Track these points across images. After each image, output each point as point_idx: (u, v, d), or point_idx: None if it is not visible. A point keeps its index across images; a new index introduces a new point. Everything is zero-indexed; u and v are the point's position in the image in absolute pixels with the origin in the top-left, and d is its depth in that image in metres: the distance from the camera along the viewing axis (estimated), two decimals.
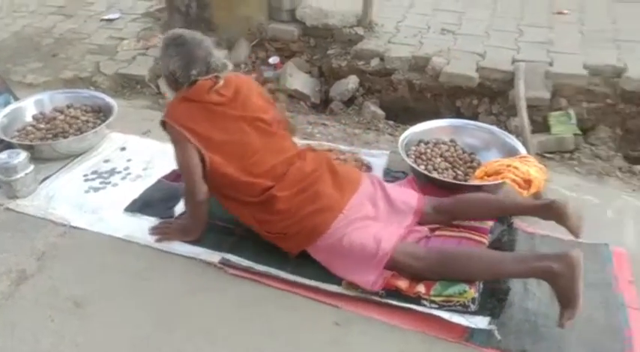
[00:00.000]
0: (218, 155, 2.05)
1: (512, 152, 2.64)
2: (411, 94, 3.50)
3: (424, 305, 1.91)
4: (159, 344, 1.82)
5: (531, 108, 3.12)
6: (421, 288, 1.93)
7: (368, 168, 2.75)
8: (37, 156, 2.70)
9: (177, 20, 4.16)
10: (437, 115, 3.45)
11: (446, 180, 2.49)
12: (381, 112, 3.42)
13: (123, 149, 2.89)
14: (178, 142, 2.07)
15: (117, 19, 4.40)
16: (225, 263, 2.13)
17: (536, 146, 2.99)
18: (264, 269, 2.08)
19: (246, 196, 2.08)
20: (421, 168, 2.59)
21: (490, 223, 2.25)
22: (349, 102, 3.62)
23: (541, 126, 3.17)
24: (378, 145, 3.01)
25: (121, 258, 2.19)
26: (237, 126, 2.11)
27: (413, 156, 2.68)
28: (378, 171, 2.74)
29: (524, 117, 2.99)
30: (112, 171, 2.71)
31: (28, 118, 2.99)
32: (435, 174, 2.57)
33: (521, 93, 3.09)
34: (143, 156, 2.82)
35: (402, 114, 3.55)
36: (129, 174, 2.69)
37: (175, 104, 2.12)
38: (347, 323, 1.88)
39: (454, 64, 3.37)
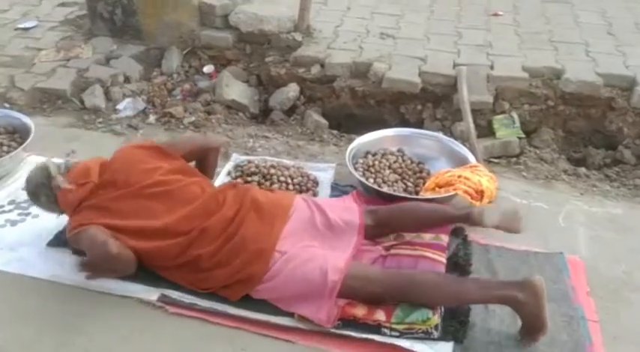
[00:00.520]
0: (122, 234, 1.91)
1: (461, 161, 2.58)
2: (353, 101, 3.38)
3: (385, 334, 1.80)
4: None
5: (475, 112, 3.08)
6: (381, 316, 1.82)
7: (314, 183, 2.62)
8: None
9: (100, 28, 3.86)
10: (381, 122, 3.38)
11: (396, 193, 2.39)
12: (324, 121, 3.29)
13: None
14: (84, 234, 1.91)
15: (33, 27, 4.03)
16: (165, 300, 1.93)
17: (483, 151, 2.95)
18: (209, 305, 1.92)
19: (166, 261, 1.94)
20: (370, 182, 2.49)
21: (445, 239, 2.17)
22: (290, 111, 3.47)
23: (486, 130, 3.14)
24: (324, 157, 2.88)
25: (45, 302, 1.95)
26: (129, 204, 1.99)
27: (361, 169, 2.57)
28: (325, 186, 2.61)
29: (469, 123, 2.95)
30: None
31: None
32: (384, 188, 2.47)
33: (465, 97, 3.05)
34: None
35: (346, 122, 3.44)
36: None
37: (74, 221, 1.99)
38: None
39: (396, 69, 3.28)
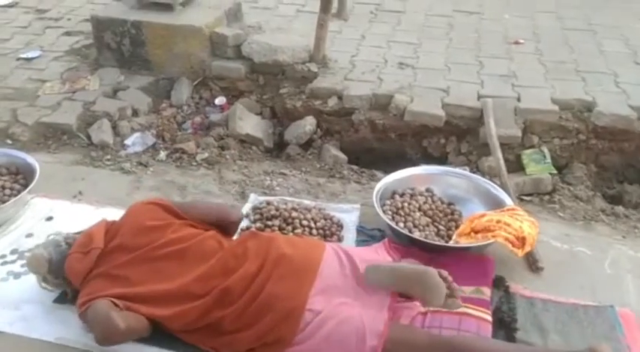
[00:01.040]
0: (135, 303, 1.74)
1: (495, 202, 2.41)
2: (373, 135, 3.23)
3: None
4: None
5: (502, 146, 2.92)
6: None
7: (339, 226, 2.45)
8: None
9: (107, 58, 3.72)
10: (402, 156, 3.23)
11: (430, 241, 2.22)
12: (343, 156, 3.13)
13: (49, 219, 2.44)
14: (90, 310, 1.74)
15: (37, 57, 3.88)
16: None
17: (513, 188, 2.78)
18: None
19: (185, 325, 1.76)
20: (400, 226, 2.31)
21: (487, 292, 2.00)
22: (306, 145, 3.31)
23: (514, 165, 2.98)
24: (346, 197, 2.71)
25: None
26: (140, 268, 1.82)
27: (390, 212, 2.40)
28: (350, 229, 2.44)
29: (499, 158, 2.78)
30: None
31: None
32: (416, 233, 2.30)
33: (493, 131, 2.89)
34: (75, 226, 2.37)
35: (364, 156, 3.28)
36: None
37: (82, 295, 1.82)
38: None
39: (418, 102, 3.14)
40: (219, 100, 3.52)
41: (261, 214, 2.47)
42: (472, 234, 2.25)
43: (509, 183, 2.69)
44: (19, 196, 2.36)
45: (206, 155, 2.99)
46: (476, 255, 2.18)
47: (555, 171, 2.93)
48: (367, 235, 2.41)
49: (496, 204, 2.40)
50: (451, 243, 2.29)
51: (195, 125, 3.38)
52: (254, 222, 2.45)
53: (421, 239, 2.22)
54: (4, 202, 2.40)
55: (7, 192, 2.45)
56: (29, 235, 2.34)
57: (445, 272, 1.71)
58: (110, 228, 1.93)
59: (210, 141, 3.12)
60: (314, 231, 2.36)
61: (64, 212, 2.48)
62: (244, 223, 2.44)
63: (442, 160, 3.15)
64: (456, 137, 3.15)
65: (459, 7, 4.56)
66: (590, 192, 2.83)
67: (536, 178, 2.87)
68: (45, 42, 4.12)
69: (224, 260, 1.86)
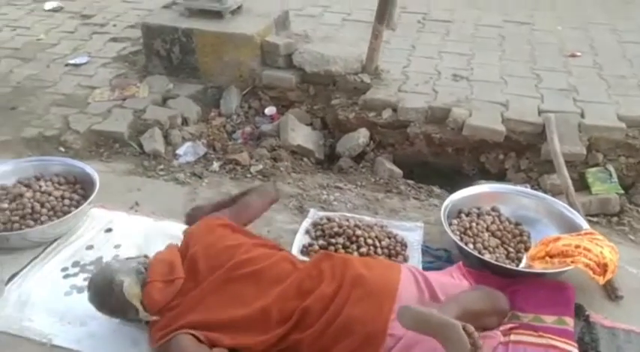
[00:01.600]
0: (216, 332, 1.68)
1: (567, 224, 2.30)
2: (429, 149, 3.15)
3: None
4: None
5: (565, 164, 2.82)
6: None
7: (403, 245, 2.37)
8: (1, 246, 2.20)
9: (156, 65, 3.70)
10: (458, 172, 3.15)
11: (510, 267, 2.12)
12: (398, 170, 3.05)
13: (108, 230, 2.40)
14: (173, 347, 1.66)
15: (85, 63, 3.88)
16: None
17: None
18: None
19: (264, 351, 1.69)
20: (470, 247, 2.22)
21: (571, 322, 1.90)
22: (358, 157, 3.24)
23: (577, 183, 2.86)
24: (407, 214, 2.63)
25: None
26: (217, 293, 1.76)
27: (458, 233, 2.31)
28: (414, 249, 2.36)
29: (566, 177, 2.68)
30: (99, 262, 2.21)
31: None
32: (486, 255, 2.21)
33: (558, 148, 2.79)
34: (134, 238, 2.33)
35: (419, 169, 3.20)
36: None
37: (159, 327, 1.75)
38: None
39: (477, 116, 3.05)
40: (270, 110, 3.47)
41: (323, 230, 2.40)
42: (547, 258, 2.15)
43: (577, 203, 2.59)
44: (80, 208, 2.32)
45: (260, 167, 2.93)
46: (554, 281, 2.08)
47: (622, 191, 2.82)
48: (433, 256, 2.32)
49: (569, 227, 2.29)
50: (522, 267, 2.20)
51: (246, 135, 3.34)
52: (315, 238, 2.38)
53: (497, 263, 2.12)
54: (64, 212, 2.37)
55: (67, 202, 2.42)
56: (89, 247, 2.30)
57: (471, 328, 1.58)
58: (181, 253, 1.87)
59: (264, 152, 3.07)
60: (379, 250, 2.28)
61: (122, 223, 2.43)
62: (306, 240, 2.38)
63: (500, 176, 3.05)
64: (515, 153, 3.05)
65: (509, 18, 4.46)
66: None
67: (602, 198, 2.76)
68: (92, 48, 4.12)
69: (299, 281, 1.79)
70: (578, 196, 2.77)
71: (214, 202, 2.27)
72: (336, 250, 2.27)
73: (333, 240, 2.33)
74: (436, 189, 2.89)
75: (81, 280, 2.13)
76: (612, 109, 3.05)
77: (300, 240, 2.37)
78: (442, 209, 2.35)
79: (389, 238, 2.38)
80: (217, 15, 3.62)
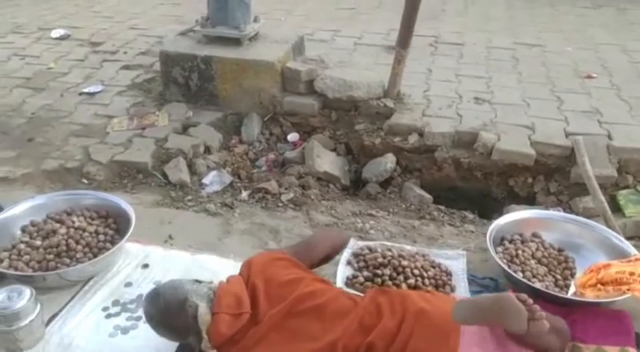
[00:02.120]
0: None
1: (615, 250, 2.28)
2: (457, 173, 3.14)
3: None
4: None
5: None
6: None
7: (448, 274, 2.33)
8: (36, 286, 2.11)
9: (173, 93, 3.66)
10: (487, 196, 3.13)
11: (566, 296, 2.09)
12: (428, 196, 3.03)
13: (145, 266, 2.32)
14: None
15: (99, 92, 3.83)
16: None
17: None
18: None
19: None
20: (519, 276, 2.19)
21: None
22: (385, 183, 3.21)
23: (609, 206, 2.86)
24: (445, 241, 2.60)
25: None
26: (281, 329, 1.70)
27: (505, 261, 2.28)
28: (460, 278, 2.31)
29: (602, 201, 2.67)
30: (140, 300, 2.12)
31: (16, 230, 2.38)
32: (537, 283, 2.18)
33: (590, 171, 2.79)
34: (173, 275, 2.25)
35: (446, 194, 3.18)
36: None
37: None
38: None
39: (506, 140, 3.04)
40: (292, 137, 3.44)
41: (366, 261, 2.35)
42: (599, 285, 2.13)
43: (617, 226, 2.58)
44: (119, 244, 2.24)
45: (291, 195, 2.89)
46: (611, 309, 2.05)
47: None
48: (479, 285, 2.28)
49: (615, 252, 2.27)
50: (571, 294, 2.17)
51: (270, 162, 3.30)
52: (359, 269, 2.32)
53: (551, 292, 2.09)
54: (99, 248, 2.29)
55: (102, 237, 2.34)
56: (128, 284, 2.23)
57: (524, 296, 1.61)
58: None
59: (292, 180, 3.03)
60: (426, 281, 2.24)
61: (159, 259, 2.36)
62: (349, 271, 2.33)
63: (529, 200, 3.04)
64: (544, 176, 3.05)
65: (518, 40, 4.51)
66: None
67: (638, 221, 2.76)
68: (105, 76, 4.07)
69: (360, 317, 1.75)
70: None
71: None
72: (382, 282, 2.23)
73: (378, 272, 2.27)
74: (469, 215, 2.87)
75: (124, 320, 2.05)
76: (638, 131, 3.07)
77: (343, 271, 2.31)
78: (487, 236, 2.32)
79: (433, 267, 2.33)
80: (236, 42, 3.60)
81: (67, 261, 2.22)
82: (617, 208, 2.86)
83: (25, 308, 1.88)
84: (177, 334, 1.77)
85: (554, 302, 2.07)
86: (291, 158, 3.29)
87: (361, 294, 2.15)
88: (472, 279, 2.31)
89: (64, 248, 2.26)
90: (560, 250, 2.41)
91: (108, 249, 2.27)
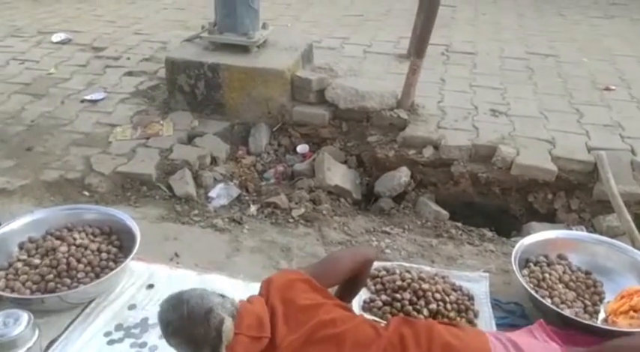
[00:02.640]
0: None
1: None
2: (474, 188, 3.01)
3: None
4: None
5: None
6: None
7: (469, 298, 2.20)
8: (34, 309, 1.98)
9: (178, 101, 3.53)
10: (505, 212, 3.01)
11: (604, 327, 1.97)
12: (444, 212, 2.90)
13: (150, 287, 2.20)
14: None
15: (102, 99, 3.70)
16: None
17: None
18: None
19: None
20: (548, 302, 2.07)
21: None
22: (398, 197, 3.09)
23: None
24: (465, 261, 2.47)
25: None
26: None
27: (532, 285, 2.15)
28: (482, 302, 2.19)
29: (629, 221, 2.55)
30: (144, 324, 2.01)
31: (13, 247, 2.25)
32: (566, 310, 2.05)
33: (615, 189, 2.67)
34: None
35: (462, 210, 3.05)
36: None
37: None
38: None
39: (525, 154, 2.92)
40: (302, 148, 3.32)
41: (383, 284, 2.23)
42: (632, 312, 2.01)
43: None
44: (123, 264, 2.12)
45: (302, 210, 2.76)
46: None
47: None
48: (504, 311, 2.16)
49: None
50: (602, 322, 2.05)
51: (278, 174, 3.17)
52: (376, 293, 2.20)
53: (585, 321, 1.97)
54: (101, 268, 2.18)
55: (104, 256, 2.22)
56: (132, 307, 2.10)
57: None
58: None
59: (303, 194, 2.90)
60: (448, 306, 2.11)
61: (164, 279, 2.23)
62: (366, 294, 2.20)
63: (549, 217, 2.92)
64: (565, 192, 2.93)
65: (531, 49, 4.41)
66: None
67: None
68: (107, 82, 3.94)
69: (383, 348, 1.62)
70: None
71: None
72: (402, 307, 2.11)
73: (397, 296, 2.15)
74: (487, 233, 2.74)
75: (127, 347, 1.93)
76: None
77: (360, 294, 2.19)
78: (513, 258, 2.20)
79: (454, 291, 2.21)
80: (243, 49, 3.48)
81: (68, 281, 2.10)
82: None
83: (22, 336, 1.76)
84: (192, 345, 1.60)
85: (585, 331, 1.95)
86: (301, 170, 3.16)
87: (379, 319, 2.04)
88: (496, 304, 2.19)
89: (65, 267, 2.14)
90: (587, 273, 2.30)
91: (111, 269, 2.16)
